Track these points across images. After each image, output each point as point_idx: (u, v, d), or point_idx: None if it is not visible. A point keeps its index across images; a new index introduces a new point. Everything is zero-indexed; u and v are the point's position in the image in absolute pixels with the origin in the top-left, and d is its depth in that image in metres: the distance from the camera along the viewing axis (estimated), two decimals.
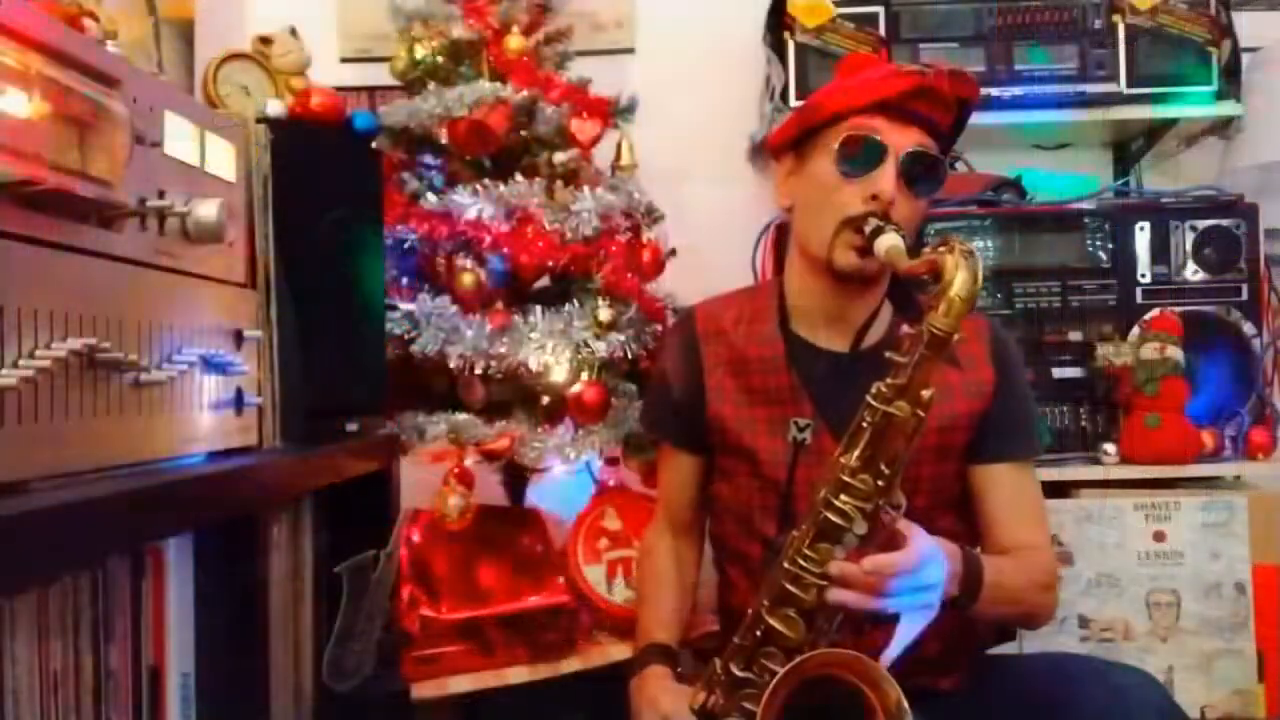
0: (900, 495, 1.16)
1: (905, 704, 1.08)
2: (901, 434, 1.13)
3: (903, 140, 1.28)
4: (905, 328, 1.16)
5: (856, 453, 1.14)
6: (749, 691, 1.19)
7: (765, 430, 1.36)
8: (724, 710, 1.22)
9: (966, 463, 1.37)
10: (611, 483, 1.82)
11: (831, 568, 1.13)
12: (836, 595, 1.13)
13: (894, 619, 1.15)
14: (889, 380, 1.13)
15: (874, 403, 1.14)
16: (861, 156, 1.28)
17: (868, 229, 1.23)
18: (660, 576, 1.49)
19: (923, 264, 1.14)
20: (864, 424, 1.14)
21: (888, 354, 1.14)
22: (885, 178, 1.26)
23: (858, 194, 1.28)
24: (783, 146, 1.41)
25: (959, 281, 1.09)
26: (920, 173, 1.29)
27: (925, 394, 1.12)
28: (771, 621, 1.18)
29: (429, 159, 1.83)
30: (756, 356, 1.39)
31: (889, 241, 1.19)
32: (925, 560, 1.12)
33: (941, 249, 1.12)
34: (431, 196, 1.73)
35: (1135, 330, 1.93)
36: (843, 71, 1.39)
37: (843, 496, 1.14)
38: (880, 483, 1.14)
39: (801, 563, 1.16)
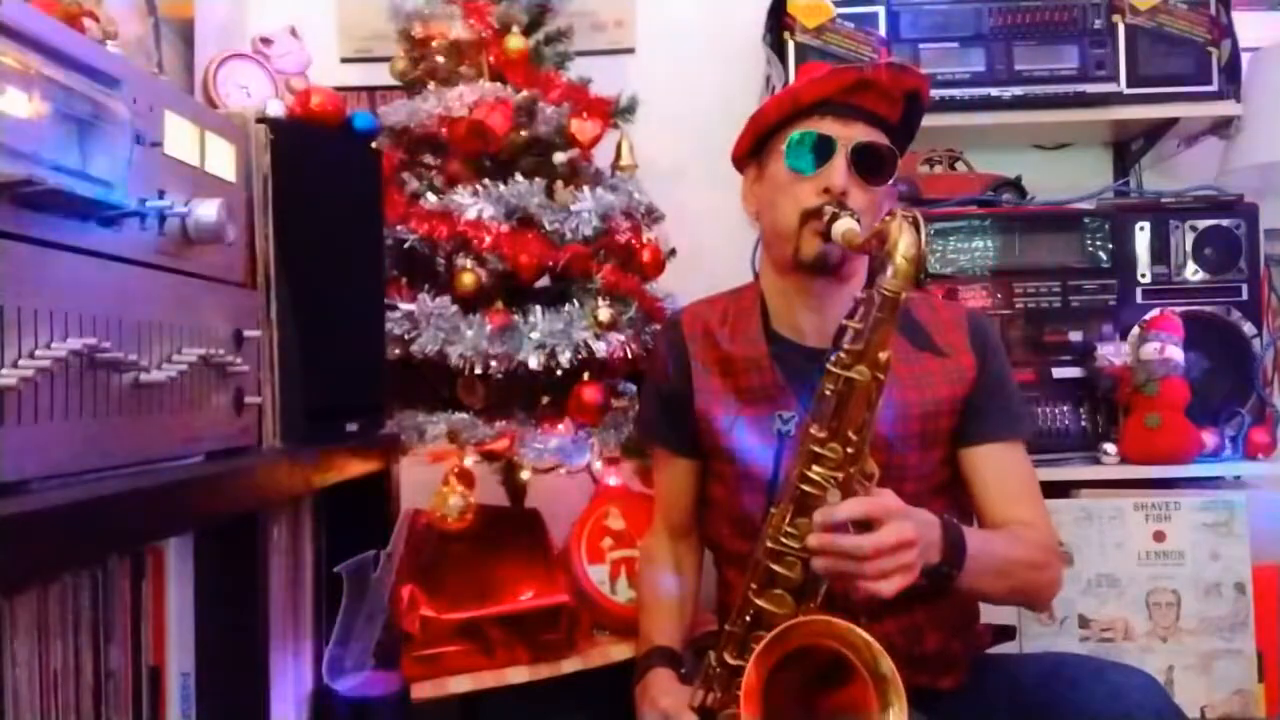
0: (872, 464, 1.18)
1: (883, 651, 1.09)
2: (864, 398, 1.16)
3: (849, 134, 1.32)
4: (858, 294, 1.20)
5: (824, 423, 1.17)
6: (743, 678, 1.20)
7: (754, 429, 1.38)
8: (722, 704, 1.22)
9: (955, 448, 1.38)
10: (611, 482, 1.82)
11: (810, 540, 1.13)
12: (819, 564, 1.13)
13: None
14: (846, 346, 1.17)
15: (834, 369, 1.17)
16: (811, 153, 1.33)
17: (825, 217, 1.28)
18: (660, 581, 1.50)
19: (871, 236, 1.19)
20: (827, 392, 1.17)
21: (843, 321, 1.18)
22: (836, 171, 1.31)
23: (812, 189, 1.32)
24: (743, 158, 1.46)
25: (903, 244, 1.13)
26: (871, 164, 1.33)
27: (883, 356, 1.15)
28: (760, 603, 1.20)
29: (429, 159, 1.83)
30: (742, 356, 1.41)
31: (844, 225, 1.24)
32: (888, 512, 1.12)
33: (886, 218, 1.16)
34: (431, 196, 1.72)
35: (1135, 330, 1.93)
36: (796, 79, 1.42)
37: (815, 467, 1.17)
38: (849, 450, 1.16)
39: (783, 540, 1.18)
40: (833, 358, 1.17)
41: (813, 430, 1.17)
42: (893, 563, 1.11)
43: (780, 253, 1.39)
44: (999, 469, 1.37)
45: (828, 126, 1.33)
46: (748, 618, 1.21)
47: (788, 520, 1.18)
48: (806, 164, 1.33)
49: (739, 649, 1.21)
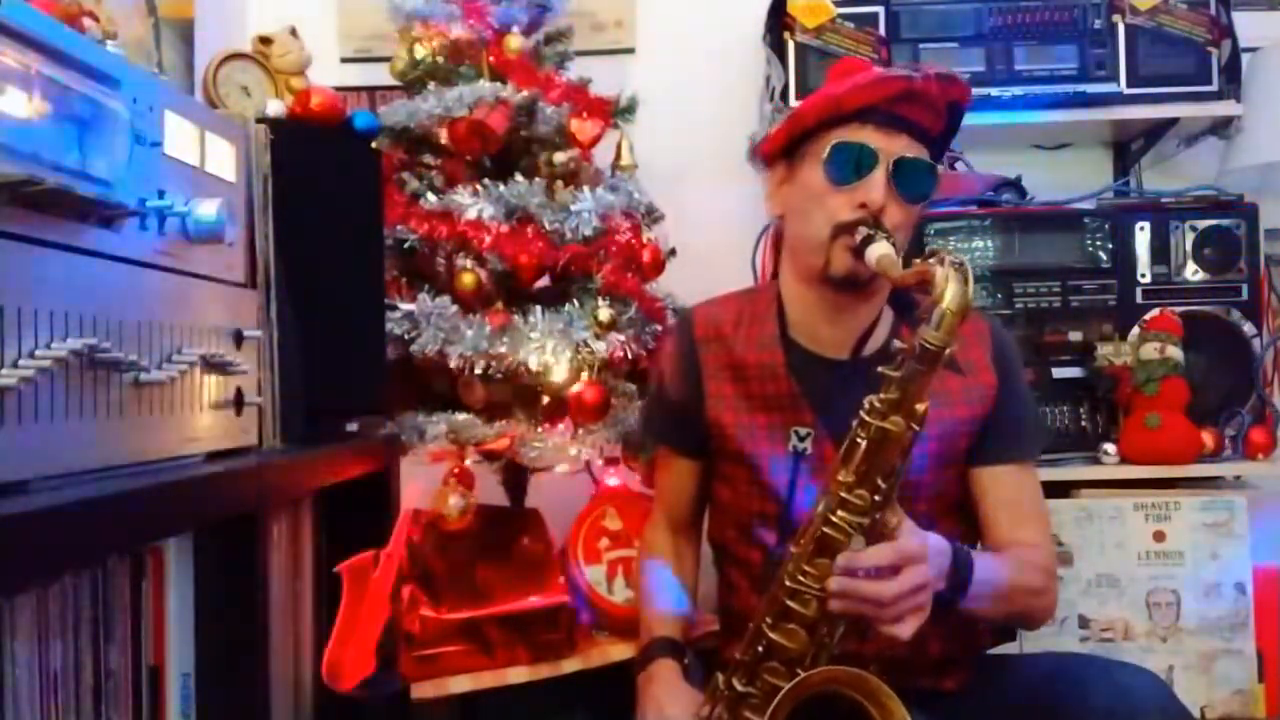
0: (900, 512, 1.16)
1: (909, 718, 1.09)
2: (897, 448, 1.12)
3: (892, 147, 1.27)
4: (897, 342, 1.15)
5: (852, 468, 1.13)
6: (752, 703, 1.19)
7: (766, 437, 1.36)
8: None
9: (968, 466, 1.37)
10: (612, 483, 1.82)
11: (831, 583, 1.12)
12: (838, 605, 1.13)
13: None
14: (882, 395, 1.12)
15: (867, 418, 1.12)
16: (851, 164, 1.28)
17: (858, 237, 1.23)
18: (661, 572, 1.50)
19: (913, 275, 1.14)
20: (858, 439, 1.13)
21: (880, 369, 1.13)
22: (875, 186, 1.26)
23: (848, 202, 1.27)
24: (773, 156, 1.40)
25: (950, 294, 1.08)
26: (911, 179, 1.28)
27: (920, 408, 1.12)
28: (774, 636, 1.18)
29: (429, 159, 1.83)
30: (755, 363, 1.38)
31: (880, 250, 1.19)
32: (910, 559, 1.11)
33: (931, 260, 1.11)
34: (431, 196, 1.72)
35: (1135, 330, 1.93)
36: (832, 77, 1.37)
37: (840, 512, 1.14)
38: (877, 497, 1.13)
39: (801, 579, 1.16)
40: (865, 404, 1.13)
41: (840, 476, 1.14)
42: (909, 605, 1.11)
43: (807, 263, 1.34)
44: (1009, 490, 1.36)
45: (870, 137, 1.27)
46: (759, 649, 1.19)
47: (807, 559, 1.15)
48: (844, 175, 1.27)
49: (748, 677, 1.20)
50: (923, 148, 1.30)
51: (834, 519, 1.14)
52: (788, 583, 1.17)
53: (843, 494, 1.13)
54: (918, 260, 1.14)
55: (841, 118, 1.29)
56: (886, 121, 1.27)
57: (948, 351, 1.09)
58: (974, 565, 1.22)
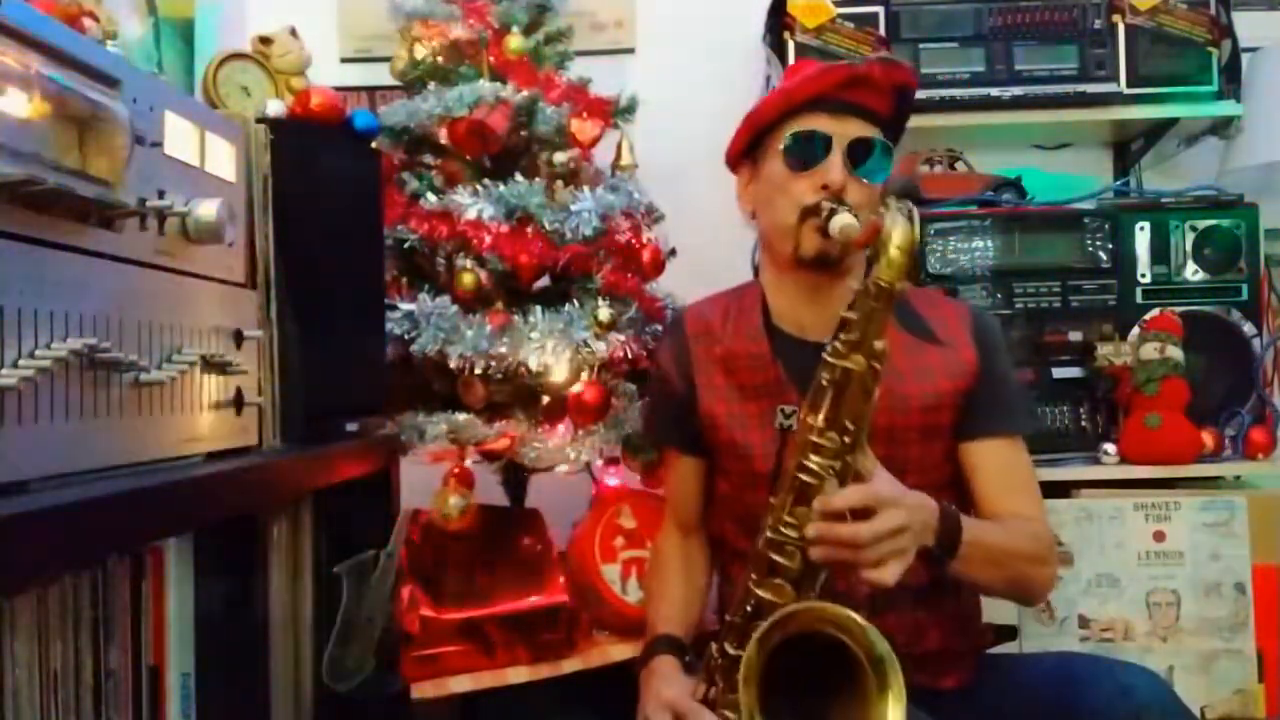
0: (869, 463, 1.17)
1: (891, 651, 1.09)
2: (861, 388, 1.15)
3: (844, 130, 1.34)
4: (854, 284, 1.19)
5: (822, 413, 1.16)
6: None
7: (757, 425, 1.39)
8: (722, 693, 1.23)
9: (956, 441, 1.38)
10: (612, 483, 1.82)
11: (808, 530, 1.14)
12: (817, 553, 1.14)
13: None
14: (842, 336, 1.16)
15: (830, 359, 1.16)
16: (808, 151, 1.35)
17: (823, 213, 1.29)
18: (668, 573, 1.52)
19: (868, 231, 1.18)
20: (824, 382, 1.17)
21: (842, 313, 1.17)
22: (833, 167, 1.33)
23: (810, 186, 1.34)
24: (738, 158, 1.48)
25: (896, 235, 1.12)
26: (866, 158, 1.35)
27: (879, 345, 1.15)
28: (760, 593, 1.20)
29: (429, 159, 1.83)
30: (744, 353, 1.42)
31: (842, 221, 1.24)
32: (882, 500, 1.12)
33: (881, 210, 1.16)
34: (431, 196, 1.72)
35: (1135, 330, 1.93)
36: (786, 76, 1.45)
37: (813, 457, 1.16)
38: (846, 439, 1.16)
39: (783, 530, 1.18)
40: (828, 348, 1.17)
41: (810, 420, 1.17)
42: (888, 548, 1.11)
43: (780, 250, 1.40)
44: (997, 464, 1.37)
45: (822, 123, 1.34)
46: (748, 608, 1.21)
47: (787, 510, 1.18)
48: (802, 160, 1.35)
49: (740, 639, 1.21)
50: (875, 129, 1.36)
51: (807, 464, 1.16)
52: (769, 534, 1.19)
53: (813, 438, 1.16)
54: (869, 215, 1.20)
55: (794, 110, 1.36)
56: (837, 108, 1.35)
57: (898, 286, 1.13)
58: (962, 523, 1.23)
